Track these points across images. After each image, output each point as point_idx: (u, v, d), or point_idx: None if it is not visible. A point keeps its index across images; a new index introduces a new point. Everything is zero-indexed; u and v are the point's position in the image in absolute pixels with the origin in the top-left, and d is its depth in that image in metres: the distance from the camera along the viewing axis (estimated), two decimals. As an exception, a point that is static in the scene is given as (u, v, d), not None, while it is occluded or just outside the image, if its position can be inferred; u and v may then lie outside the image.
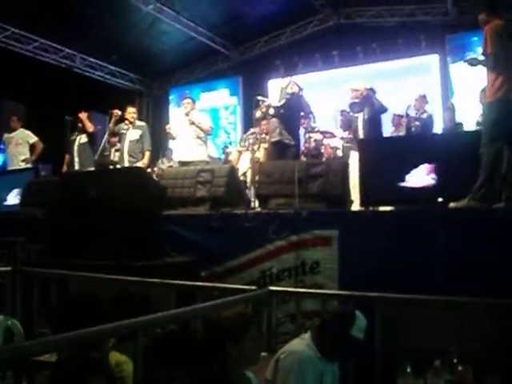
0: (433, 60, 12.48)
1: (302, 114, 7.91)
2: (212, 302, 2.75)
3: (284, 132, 7.30)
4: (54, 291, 4.27)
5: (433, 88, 12.19)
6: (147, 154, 8.82)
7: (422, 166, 5.17)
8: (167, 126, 8.85)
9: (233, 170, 6.28)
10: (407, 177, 5.22)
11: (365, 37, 12.75)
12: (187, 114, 8.29)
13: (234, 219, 5.38)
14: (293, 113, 7.45)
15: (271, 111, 7.46)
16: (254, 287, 3.36)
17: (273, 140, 7.44)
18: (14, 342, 3.97)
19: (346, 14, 13.30)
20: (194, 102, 8.67)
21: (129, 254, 4.77)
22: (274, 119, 7.42)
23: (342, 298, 3.37)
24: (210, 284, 3.77)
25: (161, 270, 4.72)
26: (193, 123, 8.18)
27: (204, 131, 8.28)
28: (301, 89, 7.62)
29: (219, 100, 14.68)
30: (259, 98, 7.86)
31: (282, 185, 5.47)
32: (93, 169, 9.20)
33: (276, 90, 7.66)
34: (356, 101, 7.48)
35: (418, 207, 4.99)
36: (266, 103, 7.61)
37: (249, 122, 13.05)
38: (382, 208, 5.58)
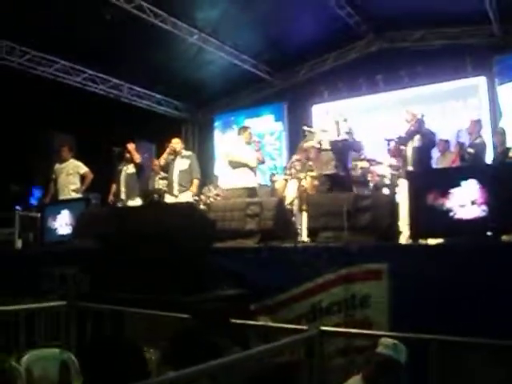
0: (480, 82, 12.31)
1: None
2: (266, 346, 2.77)
3: (338, 165, 7.37)
4: (107, 325, 4.35)
5: (481, 111, 12.05)
6: (195, 182, 8.91)
7: (471, 196, 5.11)
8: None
9: (281, 203, 6.31)
10: (457, 208, 5.16)
11: (409, 60, 12.68)
12: (248, 143, 8.43)
13: (284, 252, 5.40)
14: (348, 148, 7.55)
15: (325, 144, 7.51)
16: (305, 327, 3.37)
17: (327, 172, 7.50)
18: (71, 375, 4.07)
19: (390, 39, 13.28)
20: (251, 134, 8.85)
21: (180, 287, 4.82)
22: (329, 152, 7.49)
23: (395, 339, 3.34)
24: (262, 323, 3.79)
25: (212, 304, 4.76)
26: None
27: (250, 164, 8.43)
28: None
29: (264, 126, 14.76)
30: (306, 128, 7.93)
31: (330, 217, 5.47)
32: (138, 198, 9.39)
33: (329, 122, 7.69)
34: (403, 135, 7.47)
35: (468, 240, 4.91)
36: (316, 136, 7.66)
37: (294, 148, 13.16)
38: (432, 240, 5.52)
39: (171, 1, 10.89)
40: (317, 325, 5.07)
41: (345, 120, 7.77)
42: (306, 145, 7.75)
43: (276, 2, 11.12)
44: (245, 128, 8.85)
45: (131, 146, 9.37)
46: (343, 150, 7.44)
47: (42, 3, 9.75)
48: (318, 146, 7.69)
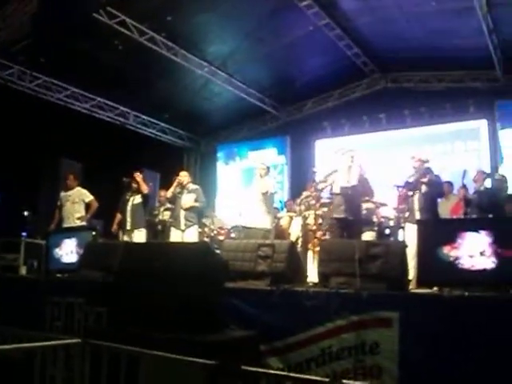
0: (482, 125, 12.51)
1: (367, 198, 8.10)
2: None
3: (348, 209, 7.44)
4: (123, 366, 4.36)
5: (481, 153, 12.25)
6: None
7: (480, 247, 5.19)
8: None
9: (293, 246, 6.37)
10: (465, 259, 5.24)
11: (413, 101, 12.96)
12: (261, 177, 8.57)
13: (295, 296, 5.43)
14: (359, 194, 7.62)
15: (336, 187, 7.61)
16: (327, 379, 3.42)
17: (337, 216, 7.58)
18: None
19: (394, 79, 13.57)
20: (268, 169, 8.99)
21: (191, 326, 4.86)
22: (339, 197, 7.58)
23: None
24: (280, 372, 3.84)
25: (223, 345, 4.80)
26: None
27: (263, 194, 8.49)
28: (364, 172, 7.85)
29: (267, 159, 14.59)
30: (315, 169, 8.07)
31: (342, 263, 5.53)
32: (144, 229, 9.46)
33: (342, 164, 7.76)
34: (410, 180, 7.61)
35: (481, 293, 4.97)
36: (328, 180, 7.75)
37: (296, 182, 13.33)
38: (443, 290, 5.58)
39: (183, 34, 11.09)
40: (326, 369, 5.17)
41: (353, 157, 7.82)
42: (320, 185, 7.84)
43: (285, 39, 11.36)
44: (260, 165, 8.96)
45: (139, 177, 9.45)
46: (353, 196, 7.51)
47: (55, 30, 9.89)
48: (330, 188, 7.78)
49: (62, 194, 9.91)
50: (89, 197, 9.85)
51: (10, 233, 9.69)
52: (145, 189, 9.42)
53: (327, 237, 8.21)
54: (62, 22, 9.34)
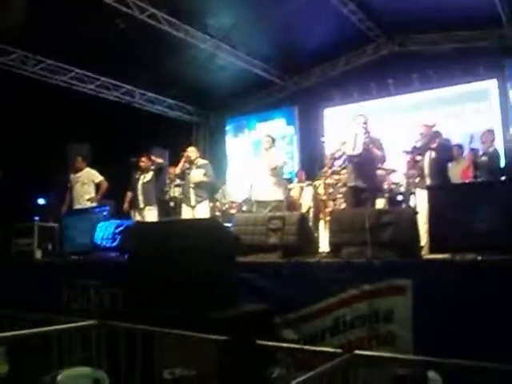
0: (491, 85, 12.32)
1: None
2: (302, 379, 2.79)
3: (359, 177, 7.37)
4: (139, 345, 4.39)
5: (492, 114, 12.07)
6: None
7: (492, 211, 5.14)
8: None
9: (303, 218, 6.35)
10: (478, 223, 5.19)
11: (420, 64, 12.69)
12: (266, 150, 8.49)
13: (307, 268, 5.44)
14: (366, 161, 7.49)
15: (345, 157, 7.56)
16: (339, 350, 3.42)
17: (349, 185, 7.55)
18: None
19: (401, 42, 13.31)
20: (273, 140, 8.96)
21: (204, 302, 4.86)
22: (350, 165, 7.52)
23: (434, 366, 3.32)
24: (293, 345, 3.85)
25: (237, 319, 4.81)
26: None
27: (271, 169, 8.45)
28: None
29: (276, 130, 14.52)
30: (323, 139, 8.03)
31: (353, 233, 5.50)
32: (155, 206, 9.51)
33: (349, 133, 7.63)
34: (418, 145, 7.52)
35: (494, 257, 4.93)
36: (340, 150, 7.70)
37: (306, 152, 13.28)
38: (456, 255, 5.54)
39: (184, 9, 10.95)
40: (341, 338, 5.18)
41: (365, 123, 7.68)
42: (337, 154, 7.81)
43: (288, 7, 11.16)
44: (265, 136, 8.94)
45: (149, 156, 9.60)
46: (360, 163, 7.42)
47: (55, 12, 9.81)
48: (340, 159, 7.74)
49: (72, 175, 9.98)
50: (98, 177, 9.90)
51: (23, 218, 9.76)
52: (160, 160, 9.55)
53: (341, 206, 8.19)
54: (59, 2, 9.28)
